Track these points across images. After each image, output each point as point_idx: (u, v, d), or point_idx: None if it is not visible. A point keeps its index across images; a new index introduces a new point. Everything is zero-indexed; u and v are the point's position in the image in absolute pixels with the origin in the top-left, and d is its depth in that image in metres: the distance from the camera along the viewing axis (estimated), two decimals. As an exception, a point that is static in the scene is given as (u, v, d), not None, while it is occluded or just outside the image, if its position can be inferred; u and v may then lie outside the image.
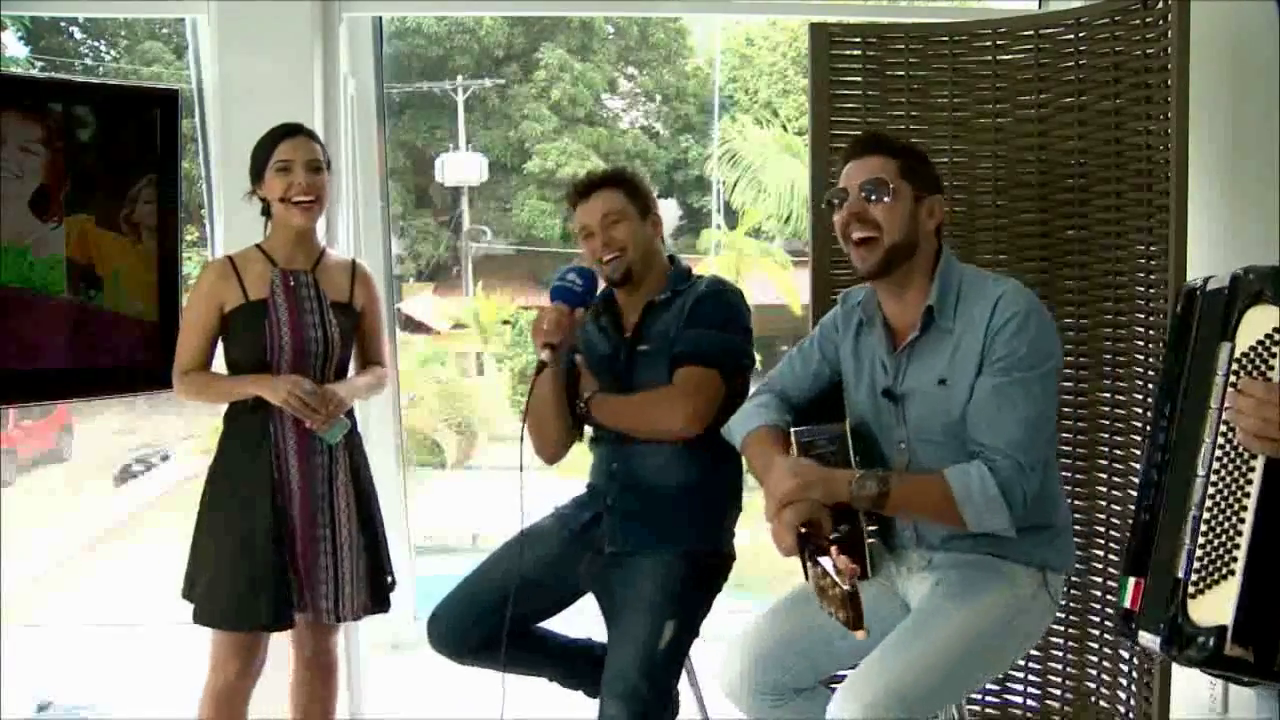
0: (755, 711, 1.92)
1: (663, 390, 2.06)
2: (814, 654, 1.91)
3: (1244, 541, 1.38)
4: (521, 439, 2.09)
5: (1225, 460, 1.42)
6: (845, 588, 1.60)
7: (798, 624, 1.92)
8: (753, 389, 2.11)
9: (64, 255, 2.38)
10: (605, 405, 2.13)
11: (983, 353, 1.76)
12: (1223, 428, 1.41)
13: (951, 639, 1.76)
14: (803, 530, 1.73)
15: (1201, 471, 1.44)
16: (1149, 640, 1.49)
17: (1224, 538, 1.40)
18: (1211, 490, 1.42)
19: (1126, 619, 1.55)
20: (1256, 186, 2.50)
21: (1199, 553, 1.42)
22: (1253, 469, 1.38)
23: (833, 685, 2.10)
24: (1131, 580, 1.55)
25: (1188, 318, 1.56)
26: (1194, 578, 1.42)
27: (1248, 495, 1.39)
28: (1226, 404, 1.40)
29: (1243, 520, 1.39)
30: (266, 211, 2.23)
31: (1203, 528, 1.42)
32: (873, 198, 1.82)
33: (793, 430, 1.93)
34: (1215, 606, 1.40)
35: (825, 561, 1.65)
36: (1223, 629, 1.38)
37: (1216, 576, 1.40)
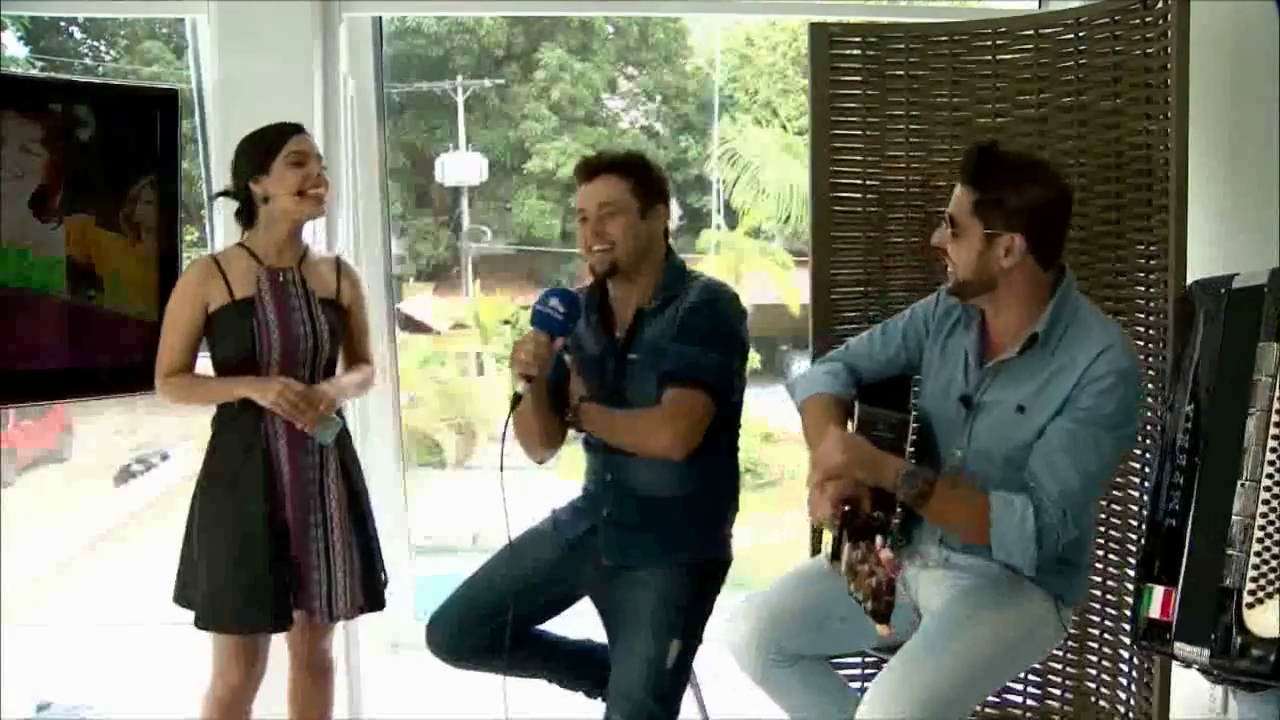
0: (758, 671, 1.93)
1: (650, 412, 2.02)
2: (824, 630, 1.92)
3: None
4: (501, 467, 2.00)
5: None
6: (884, 576, 1.60)
7: (813, 597, 1.93)
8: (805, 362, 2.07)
9: (64, 255, 2.38)
10: (592, 416, 2.09)
11: (1069, 395, 1.73)
12: (1275, 430, 1.37)
13: (979, 648, 1.77)
14: (846, 508, 1.73)
15: (1250, 476, 1.39)
16: (1192, 652, 1.44)
17: None
18: (1266, 495, 1.37)
19: (1153, 628, 1.50)
20: (1256, 186, 2.50)
21: (1254, 560, 1.37)
22: None
23: (834, 659, 2.10)
24: (1159, 589, 1.50)
25: (1198, 316, 1.51)
26: (1250, 586, 1.37)
27: None
28: (1278, 407, 1.36)
29: None
30: (242, 213, 2.19)
31: (1258, 534, 1.37)
32: (949, 232, 1.80)
33: (857, 404, 1.91)
34: (1277, 617, 1.35)
35: (866, 546, 1.65)
36: None
37: (1278, 585, 1.36)
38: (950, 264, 1.82)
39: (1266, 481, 1.38)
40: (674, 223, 2.19)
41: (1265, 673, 1.36)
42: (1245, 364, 1.41)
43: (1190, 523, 1.47)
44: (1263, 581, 1.37)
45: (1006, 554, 1.73)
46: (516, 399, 2.00)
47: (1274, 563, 1.37)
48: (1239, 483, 1.40)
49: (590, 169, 2.10)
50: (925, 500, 1.74)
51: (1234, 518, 1.40)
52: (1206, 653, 1.42)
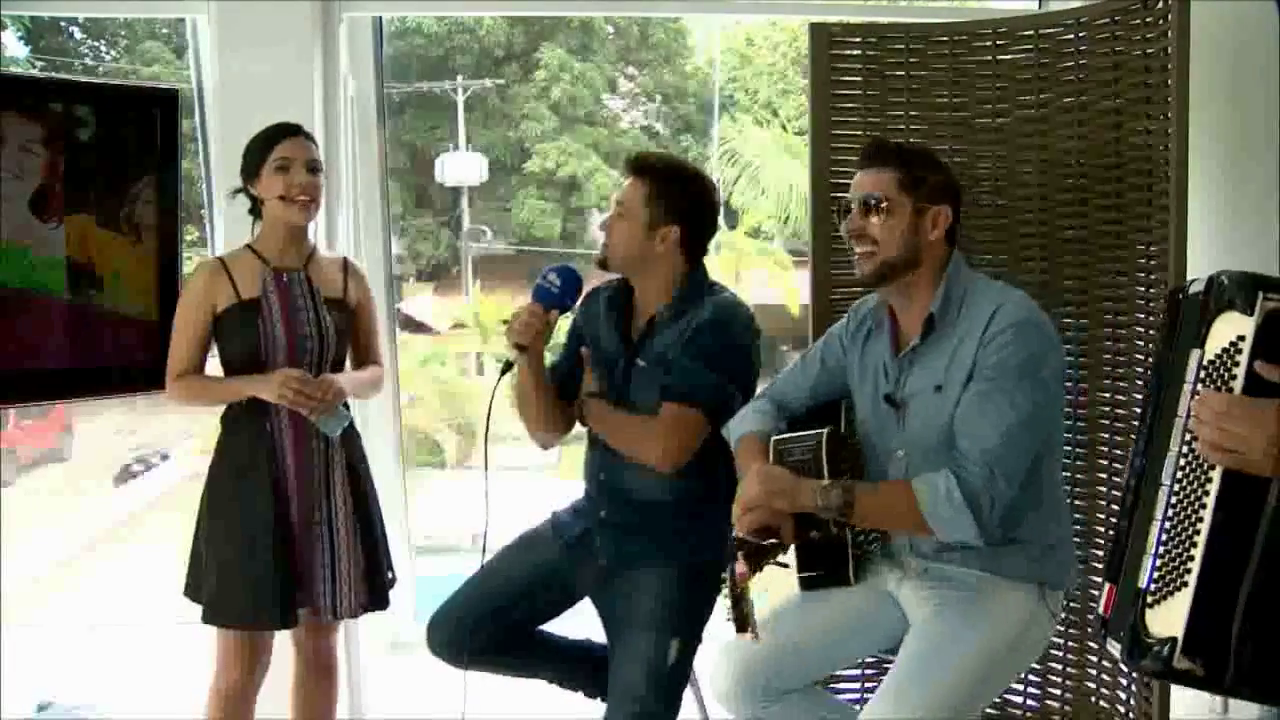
0: (746, 713, 1.93)
1: (647, 423, 2.04)
2: (805, 658, 1.92)
3: (1198, 553, 1.36)
4: (486, 438, 2.09)
5: (1187, 469, 1.39)
6: (734, 587, 1.70)
7: (790, 630, 1.93)
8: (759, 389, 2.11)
9: (64, 255, 2.38)
10: (596, 414, 2.12)
11: (975, 360, 1.77)
12: (1186, 436, 1.39)
13: (970, 665, 1.78)
14: (736, 537, 1.78)
15: (1166, 480, 1.41)
16: (1114, 648, 1.47)
17: (1181, 548, 1.38)
18: (1173, 500, 1.40)
19: (1103, 625, 1.54)
20: (1256, 186, 2.50)
21: (1158, 562, 1.40)
22: (1210, 479, 1.36)
23: (830, 685, 2.11)
24: (1107, 586, 1.53)
25: (1174, 322, 1.54)
26: (1153, 587, 1.40)
27: (1204, 506, 1.36)
28: (1191, 412, 1.37)
29: (1198, 531, 1.36)
30: (255, 211, 2.22)
31: (1163, 537, 1.40)
32: (870, 213, 1.83)
33: (772, 439, 1.95)
34: (1169, 617, 1.37)
35: (734, 565, 1.73)
36: (1174, 640, 1.35)
37: (1172, 587, 1.38)
38: (870, 248, 1.84)
39: (1175, 486, 1.40)
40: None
41: (1157, 671, 1.39)
42: (1182, 370, 1.43)
43: (1131, 525, 1.50)
44: (1162, 582, 1.39)
45: (949, 533, 1.74)
46: (507, 366, 2.08)
47: (1172, 564, 1.38)
48: (1159, 487, 1.43)
49: (629, 165, 2.15)
50: (850, 509, 1.76)
51: (1154, 520, 1.42)
52: (1120, 649, 1.45)
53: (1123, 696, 2.33)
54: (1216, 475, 1.35)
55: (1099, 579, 2.35)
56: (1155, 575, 1.40)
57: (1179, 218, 2.14)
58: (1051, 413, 1.84)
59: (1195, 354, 1.40)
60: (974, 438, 1.74)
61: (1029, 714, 2.51)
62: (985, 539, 1.73)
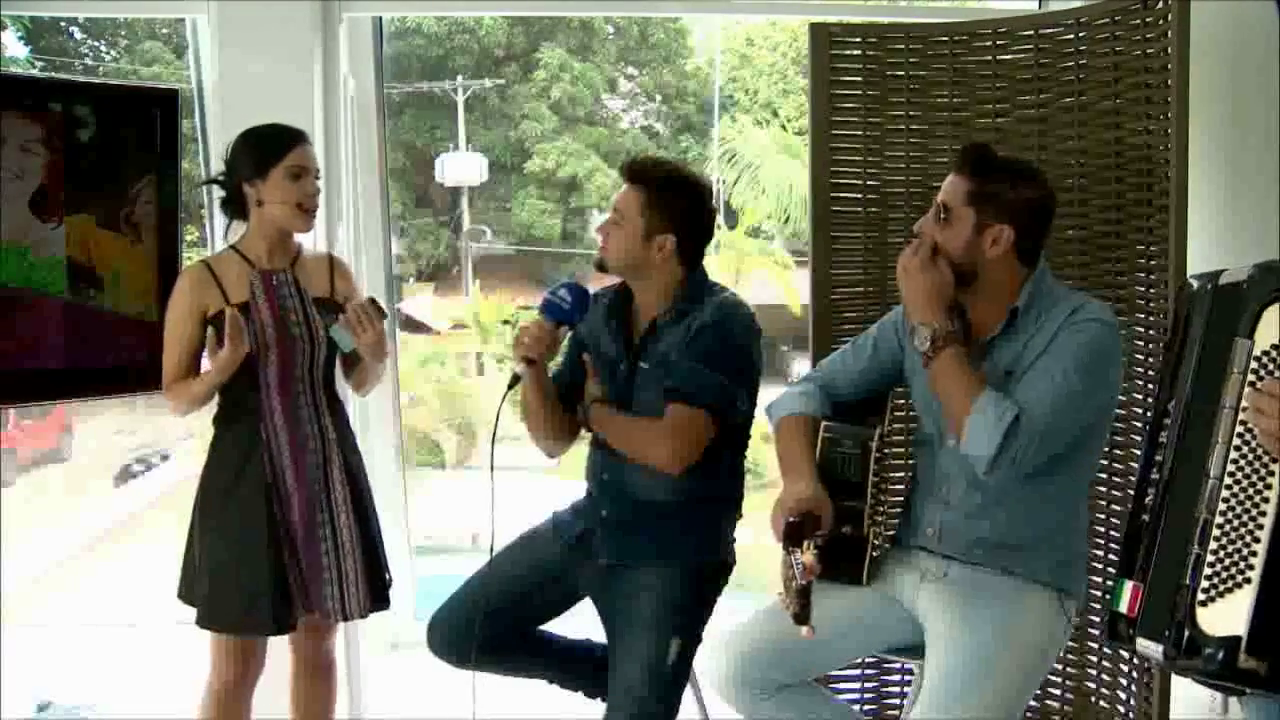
0: (742, 706, 1.94)
1: (651, 424, 2.04)
2: (803, 654, 1.91)
3: (1261, 549, 1.32)
4: (493, 450, 2.07)
5: (1242, 463, 1.36)
6: (800, 581, 1.67)
7: (784, 626, 1.92)
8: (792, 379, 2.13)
9: (64, 255, 2.38)
10: (600, 417, 2.12)
11: (1047, 347, 1.79)
12: (1240, 429, 1.36)
13: (1011, 677, 1.79)
14: (791, 520, 1.77)
15: (1214, 474, 1.38)
16: (1150, 648, 1.43)
17: (1239, 544, 1.34)
18: (1226, 494, 1.36)
19: (1121, 623, 1.50)
20: (1256, 186, 2.50)
21: (1210, 559, 1.36)
22: (1272, 473, 1.33)
23: (830, 685, 2.10)
24: (1129, 584, 1.49)
25: (1190, 312, 1.51)
26: (1204, 585, 1.36)
27: (1266, 500, 1.33)
28: (1244, 404, 1.35)
29: (1260, 526, 1.33)
30: (235, 209, 2.19)
31: (1215, 532, 1.36)
32: (938, 220, 1.85)
33: (823, 424, 1.95)
34: (1228, 616, 1.34)
35: (796, 554, 1.71)
36: (1235, 640, 1.32)
37: (1230, 585, 1.35)
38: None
39: (1227, 480, 1.37)
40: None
41: (1214, 671, 1.35)
42: (1223, 360, 1.40)
43: (1162, 519, 1.47)
44: (1215, 580, 1.36)
45: (972, 441, 1.74)
46: (514, 380, 2.07)
47: (1227, 561, 1.35)
48: (1205, 480, 1.39)
49: (625, 171, 2.15)
50: (937, 353, 1.78)
51: (1199, 515, 1.39)
52: (1161, 649, 1.41)
53: (1123, 696, 2.33)
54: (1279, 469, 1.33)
55: (1098, 578, 2.36)
56: (1208, 572, 1.36)
57: (1179, 218, 2.14)
58: (1097, 412, 1.84)
59: (1243, 344, 1.37)
60: (1021, 392, 1.75)
61: (1029, 714, 2.51)
62: (988, 471, 1.74)
